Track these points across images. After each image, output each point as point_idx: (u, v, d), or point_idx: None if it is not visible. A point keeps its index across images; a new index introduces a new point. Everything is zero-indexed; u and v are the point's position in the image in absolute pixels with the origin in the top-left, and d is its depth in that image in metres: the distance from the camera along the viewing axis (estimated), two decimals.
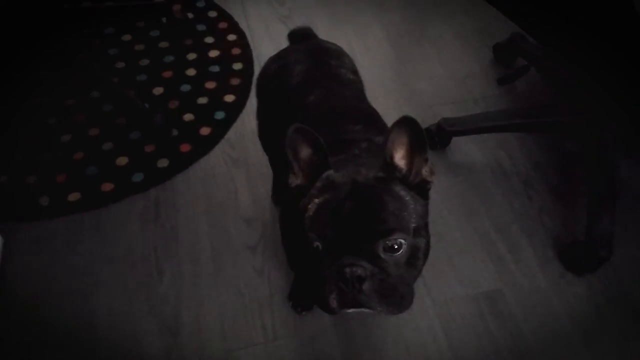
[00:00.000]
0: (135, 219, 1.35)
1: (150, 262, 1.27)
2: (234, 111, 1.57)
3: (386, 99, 1.65)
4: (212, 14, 1.87)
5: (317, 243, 0.70)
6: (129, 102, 1.60)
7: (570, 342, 1.16)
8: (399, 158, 0.74)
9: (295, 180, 0.77)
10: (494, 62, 1.76)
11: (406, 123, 0.71)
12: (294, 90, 1.02)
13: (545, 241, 1.32)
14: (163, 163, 1.45)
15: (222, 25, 1.84)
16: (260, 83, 1.16)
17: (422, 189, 0.76)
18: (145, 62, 1.72)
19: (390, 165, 0.74)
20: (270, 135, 1.17)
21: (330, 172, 0.74)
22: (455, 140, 1.53)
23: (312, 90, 0.99)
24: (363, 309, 0.71)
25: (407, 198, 0.73)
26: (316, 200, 0.72)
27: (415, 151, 0.74)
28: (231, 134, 1.52)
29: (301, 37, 1.15)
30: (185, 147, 1.48)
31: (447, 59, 1.77)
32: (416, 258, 0.73)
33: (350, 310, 0.71)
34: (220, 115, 1.56)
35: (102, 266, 1.27)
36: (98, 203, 1.38)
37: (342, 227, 0.69)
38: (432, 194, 1.44)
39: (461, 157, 1.51)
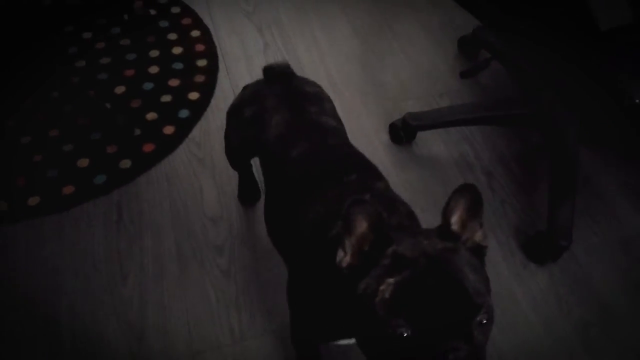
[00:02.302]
0: (98, 221, 1.33)
1: (114, 265, 1.25)
2: (199, 109, 1.55)
3: (352, 94, 1.65)
4: (175, 9, 1.84)
5: (404, 330, 0.62)
6: (89, 101, 1.56)
7: (531, 329, 1.19)
8: (455, 223, 0.71)
9: (346, 259, 0.69)
10: (459, 55, 1.78)
11: (467, 190, 0.69)
12: (274, 144, 0.97)
13: (507, 232, 1.34)
14: (126, 164, 1.42)
15: (186, 21, 1.81)
16: (231, 120, 1.12)
17: (478, 254, 0.72)
18: (106, 60, 1.68)
19: (448, 232, 0.70)
20: (241, 158, 1.19)
21: (394, 247, 0.67)
22: (421, 134, 1.54)
23: (294, 144, 0.95)
24: None
25: (478, 265, 0.69)
26: (390, 280, 0.64)
27: (470, 215, 0.71)
28: (196, 132, 1.50)
29: (278, 75, 1.08)
30: (148, 147, 1.46)
31: (412, 52, 1.78)
32: (491, 327, 0.67)
33: None
34: (184, 113, 1.54)
35: (64, 270, 1.25)
36: (59, 207, 1.35)
37: (433, 307, 0.62)
38: (400, 188, 1.47)
39: (426, 151, 1.53)
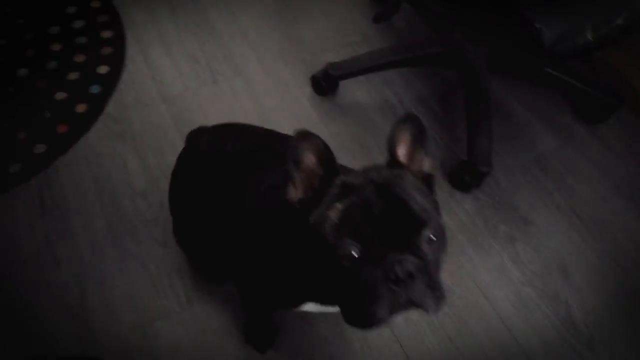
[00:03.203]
0: (20, 212, 1.26)
1: (45, 253, 1.20)
2: (110, 83, 1.48)
3: (271, 51, 1.63)
4: None
5: (353, 249, 0.64)
6: None
7: (462, 250, 1.27)
8: (402, 155, 0.72)
9: (297, 194, 0.70)
10: (370, 2, 1.80)
11: (409, 120, 0.70)
12: (206, 147, 0.97)
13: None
14: (40, 149, 1.35)
15: None
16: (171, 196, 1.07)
17: (427, 183, 0.74)
18: (1, 42, 1.56)
19: (395, 162, 0.72)
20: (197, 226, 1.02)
21: (341, 176, 0.69)
22: (343, 83, 1.56)
23: (226, 141, 0.94)
24: (411, 311, 0.66)
25: (425, 190, 0.71)
26: (338, 206, 0.66)
27: (416, 146, 0.72)
28: (110, 107, 1.44)
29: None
30: (62, 128, 1.38)
31: (325, 4, 1.77)
32: (443, 246, 0.70)
33: (398, 316, 0.66)
34: (95, 89, 1.47)
35: None
36: None
37: (379, 225, 0.64)
38: (328, 139, 1.48)
39: (350, 100, 1.55)
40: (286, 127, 1.47)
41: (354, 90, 1.57)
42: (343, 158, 1.41)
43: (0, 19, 1.61)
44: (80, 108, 1.42)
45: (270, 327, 1.11)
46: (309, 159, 0.68)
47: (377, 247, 0.63)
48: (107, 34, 1.59)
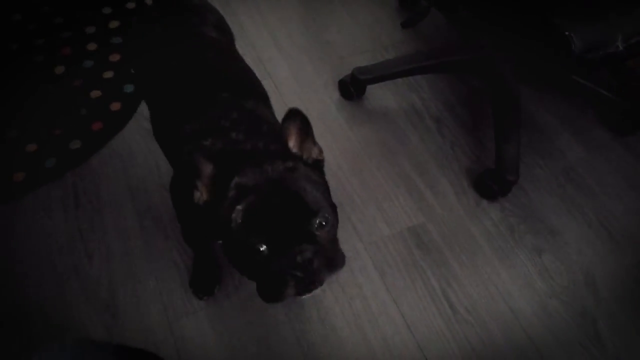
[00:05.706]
0: (55, 205, 1.30)
1: (78, 246, 1.24)
2: None
3: (299, 54, 1.65)
4: None
5: (260, 246, 0.74)
6: (29, 85, 1.50)
7: (488, 262, 1.27)
8: (293, 146, 0.82)
9: (202, 197, 0.79)
10: (399, 7, 1.80)
11: (295, 115, 0.80)
12: (149, 53, 1.04)
13: (459, 173, 1.41)
14: (75, 144, 1.39)
15: None
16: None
17: (317, 167, 0.85)
18: (40, 41, 1.61)
19: (289, 154, 0.81)
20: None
21: (237, 179, 0.77)
22: (370, 88, 1.57)
23: (170, 56, 1.01)
24: (316, 291, 0.77)
25: (315, 177, 0.81)
26: (239, 207, 0.75)
27: (304, 137, 0.82)
28: (144, 106, 1.47)
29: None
30: (97, 126, 1.42)
31: (354, 7, 1.79)
32: (333, 225, 0.81)
33: (305, 296, 0.77)
34: (129, 88, 1.50)
35: (27, 258, 1.22)
36: (12, 194, 1.31)
37: (279, 222, 0.74)
38: (355, 143, 1.49)
39: (377, 104, 1.56)
40: (314, 130, 1.50)
41: (381, 95, 1.58)
42: (369, 163, 1.43)
43: (38, 18, 1.66)
44: (115, 106, 1.46)
45: (212, 275, 1.19)
46: (207, 166, 0.77)
47: (279, 241, 0.74)
48: None
